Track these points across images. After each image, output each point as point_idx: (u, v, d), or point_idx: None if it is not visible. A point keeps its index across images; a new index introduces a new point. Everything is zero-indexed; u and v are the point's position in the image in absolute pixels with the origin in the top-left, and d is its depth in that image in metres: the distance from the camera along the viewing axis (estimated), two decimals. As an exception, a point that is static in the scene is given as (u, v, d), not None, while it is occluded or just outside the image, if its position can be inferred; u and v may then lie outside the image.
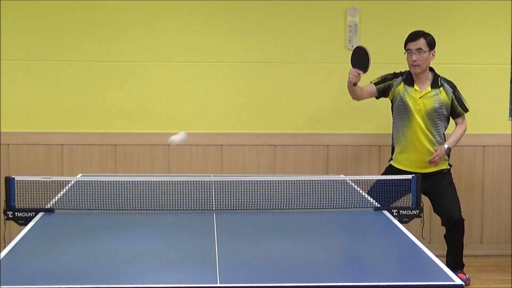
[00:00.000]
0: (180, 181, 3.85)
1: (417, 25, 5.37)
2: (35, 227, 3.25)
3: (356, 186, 4.11)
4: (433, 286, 2.47)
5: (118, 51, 5.32)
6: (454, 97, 4.74)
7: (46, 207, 3.54)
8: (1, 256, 2.72)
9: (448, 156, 4.84)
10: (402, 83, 4.75)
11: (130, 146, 5.37)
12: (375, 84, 4.81)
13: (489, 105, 5.49)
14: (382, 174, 4.88)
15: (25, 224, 3.34)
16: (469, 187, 5.54)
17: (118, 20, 5.31)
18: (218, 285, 2.44)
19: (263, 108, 5.41)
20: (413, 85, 4.71)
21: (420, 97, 4.69)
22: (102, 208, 3.54)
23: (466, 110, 4.82)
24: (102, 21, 5.30)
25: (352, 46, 5.33)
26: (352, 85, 4.63)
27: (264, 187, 3.81)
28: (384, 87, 4.80)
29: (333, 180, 4.14)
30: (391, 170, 4.81)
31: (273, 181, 4.02)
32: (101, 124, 5.35)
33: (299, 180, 4.08)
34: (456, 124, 4.85)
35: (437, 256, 2.78)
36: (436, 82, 4.72)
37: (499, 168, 5.53)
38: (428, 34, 4.72)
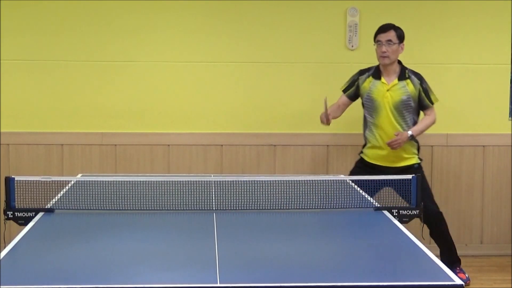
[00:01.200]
0: (180, 181, 3.85)
1: (417, 25, 5.39)
2: (35, 227, 3.25)
3: (356, 186, 4.11)
4: (433, 286, 2.47)
5: (118, 51, 5.32)
6: (421, 89, 4.76)
7: (46, 207, 3.54)
8: (1, 256, 2.72)
9: (418, 150, 4.85)
10: (369, 78, 4.78)
11: (130, 146, 5.37)
12: (345, 91, 4.88)
13: (489, 105, 5.49)
14: (354, 168, 4.93)
15: (25, 224, 3.34)
16: (469, 187, 5.54)
17: (118, 20, 5.31)
18: (218, 285, 2.44)
19: (263, 108, 5.41)
20: (380, 78, 4.74)
21: (388, 90, 4.71)
22: (102, 208, 3.54)
23: (433, 103, 4.82)
24: (102, 21, 5.30)
25: (352, 46, 5.35)
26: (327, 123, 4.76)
27: (264, 187, 3.80)
28: (354, 90, 4.86)
29: (333, 180, 4.14)
30: (362, 163, 4.86)
31: (273, 181, 4.01)
32: (101, 124, 5.35)
33: (299, 180, 4.07)
34: (425, 116, 4.87)
35: (437, 256, 2.78)
36: (403, 74, 4.74)
37: (499, 168, 5.53)
38: (399, 27, 4.76)
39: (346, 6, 5.35)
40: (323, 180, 4.05)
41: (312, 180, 4.06)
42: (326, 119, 4.74)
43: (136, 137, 5.37)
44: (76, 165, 5.34)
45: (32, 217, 3.41)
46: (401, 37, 4.74)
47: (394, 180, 3.99)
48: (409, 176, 3.80)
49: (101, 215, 3.50)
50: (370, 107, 4.79)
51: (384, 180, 4.13)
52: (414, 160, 4.82)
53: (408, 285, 2.46)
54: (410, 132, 4.71)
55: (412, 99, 4.74)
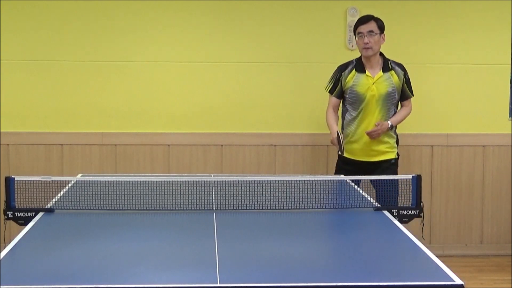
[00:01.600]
0: (180, 181, 3.85)
1: (417, 24, 5.39)
2: (35, 227, 3.25)
3: (356, 186, 4.11)
4: (433, 286, 2.47)
5: (118, 51, 5.32)
6: (405, 80, 4.73)
7: (46, 207, 3.54)
8: (1, 256, 2.72)
9: (397, 143, 4.82)
10: (352, 71, 4.73)
11: (130, 146, 5.37)
12: (331, 91, 4.82)
13: (489, 105, 5.49)
14: (336, 168, 4.89)
15: (25, 224, 3.34)
16: (469, 187, 5.54)
17: (118, 20, 5.31)
18: (218, 285, 2.44)
19: (263, 108, 5.41)
20: (364, 72, 4.69)
21: (373, 83, 4.68)
22: (102, 208, 3.54)
23: (413, 95, 4.80)
24: (102, 21, 5.30)
25: (352, 46, 5.35)
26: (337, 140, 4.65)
27: (264, 187, 3.80)
28: (339, 88, 4.79)
29: (333, 180, 4.14)
30: (341, 161, 4.82)
31: (273, 181, 4.01)
32: (101, 124, 5.36)
33: (299, 180, 4.07)
34: (402, 106, 4.84)
35: (437, 256, 2.78)
36: (387, 65, 4.71)
37: (499, 168, 5.53)
38: (379, 18, 4.73)
39: (346, 6, 5.35)
40: (323, 180, 4.05)
41: (312, 180, 4.06)
42: (340, 147, 4.63)
43: (136, 137, 5.37)
44: (76, 165, 5.34)
45: (32, 217, 3.41)
46: (381, 27, 4.70)
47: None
48: (409, 176, 3.79)
49: (101, 215, 3.50)
50: (355, 101, 4.72)
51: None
52: (392, 155, 4.78)
53: (408, 285, 2.46)
54: (390, 122, 4.69)
55: (396, 91, 4.71)
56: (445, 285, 2.47)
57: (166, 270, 2.62)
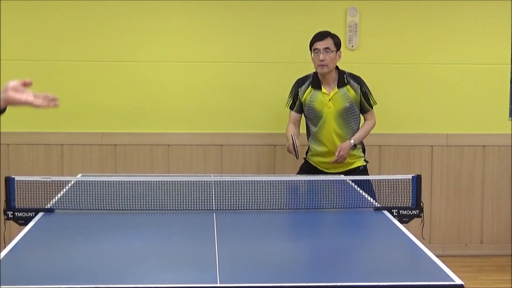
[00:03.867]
0: (180, 181, 3.85)
1: (417, 25, 5.39)
2: (35, 227, 3.25)
3: (356, 186, 4.11)
4: (433, 286, 2.47)
5: (118, 51, 5.32)
6: (361, 93, 4.69)
7: (46, 207, 3.54)
8: (1, 256, 2.72)
9: (364, 151, 4.81)
10: (309, 88, 4.70)
11: (130, 146, 5.37)
12: (292, 107, 4.80)
13: (489, 105, 5.49)
14: (299, 172, 4.87)
15: (25, 224, 3.33)
16: (469, 187, 5.54)
17: (118, 20, 5.31)
18: (218, 285, 2.43)
19: (263, 108, 5.42)
20: (320, 88, 4.67)
21: (329, 99, 4.65)
22: (102, 208, 3.54)
23: (372, 106, 4.75)
24: (102, 21, 5.30)
25: (352, 46, 5.35)
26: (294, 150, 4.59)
27: (264, 187, 3.80)
28: (299, 103, 4.77)
29: (333, 180, 4.14)
30: (307, 166, 4.80)
31: (273, 181, 4.01)
32: (101, 124, 5.36)
33: (299, 180, 4.07)
34: (365, 120, 4.80)
35: (437, 256, 2.78)
36: (342, 80, 4.66)
37: (499, 168, 5.53)
38: (335, 35, 4.67)
39: (346, 6, 5.35)
40: (323, 180, 4.05)
41: (312, 180, 4.06)
42: (295, 152, 4.58)
43: (136, 137, 5.37)
44: (76, 165, 5.34)
45: (32, 217, 3.41)
46: (338, 44, 4.64)
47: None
48: (409, 176, 3.79)
49: (101, 215, 3.50)
50: (313, 117, 4.71)
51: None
52: (359, 163, 4.77)
53: (408, 285, 2.46)
54: (352, 142, 4.66)
55: (355, 105, 4.69)
56: (445, 285, 2.47)
57: (166, 270, 2.62)
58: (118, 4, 5.30)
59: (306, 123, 4.82)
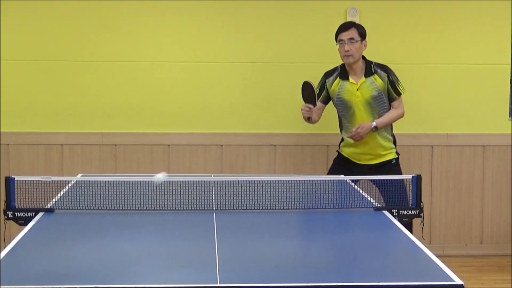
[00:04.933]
0: (180, 181, 3.85)
1: (417, 25, 5.39)
2: (35, 227, 3.25)
3: (356, 186, 4.11)
4: (433, 286, 2.47)
5: (118, 51, 5.32)
6: (388, 81, 4.70)
7: (46, 207, 3.54)
8: (1, 256, 2.72)
9: (395, 144, 4.81)
10: (337, 79, 4.74)
11: (130, 146, 5.37)
12: (317, 96, 4.78)
13: (489, 105, 5.49)
14: (332, 166, 4.89)
15: (25, 224, 3.34)
16: (469, 187, 5.54)
17: (118, 20, 5.31)
18: (218, 285, 2.43)
19: (263, 108, 5.42)
20: (348, 79, 4.70)
21: (357, 89, 4.68)
22: (102, 208, 3.54)
23: (399, 94, 4.74)
24: (102, 21, 5.30)
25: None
26: (307, 120, 4.66)
27: (264, 187, 3.80)
28: (325, 94, 4.80)
29: (333, 180, 4.14)
30: (340, 159, 4.83)
31: (273, 181, 4.01)
32: (101, 124, 5.36)
33: (299, 180, 4.07)
34: (392, 108, 4.79)
35: (437, 256, 2.78)
36: (370, 70, 4.69)
37: (499, 168, 5.53)
38: (360, 25, 4.72)
39: (346, 6, 5.35)
40: (323, 180, 4.05)
41: (312, 180, 4.06)
42: (307, 113, 4.59)
43: (136, 137, 5.37)
44: (76, 165, 5.34)
45: (32, 217, 3.41)
46: (363, 34, 4.68)
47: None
48: (409, 176, 3.79)
49: (101, 215, 3.50)
50: (343, 108, 4.75)
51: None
52: (391, 156, 4.78)
53: (408, 285, 2.46)
54: (374, 123, 4.66)
55: (383, 93, 4.70)
56: (445, 285, 2.47)
57: (166, 270, 2.62)
58: (118, 4, 5.30)
59: (338, 116, 4.84)
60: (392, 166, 4.72)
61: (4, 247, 2.86)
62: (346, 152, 4.80)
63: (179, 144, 5.39)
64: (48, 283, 2.42)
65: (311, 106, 4.59)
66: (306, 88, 4.64)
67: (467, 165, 5.53)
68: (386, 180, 3.91)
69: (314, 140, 5.42)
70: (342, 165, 4.78)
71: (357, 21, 5.33)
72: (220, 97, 5.40)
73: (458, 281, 2.47)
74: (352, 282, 2.49)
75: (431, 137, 5.43)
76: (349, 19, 5.30)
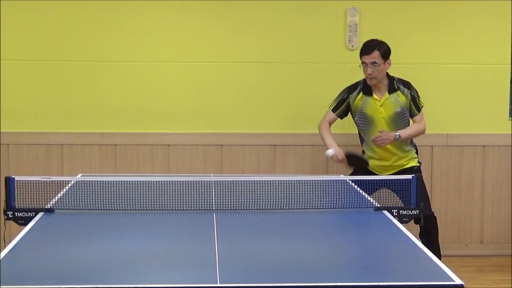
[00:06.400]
0: (180, 181, 3.85)
1: (417, 25, 5.39)
2: (35, 227, 3.25)
3: (356, 186, 4.11)
4: (433, 286, 2.47)
5: (118, 51, 5.32)
6: (411, 98, 4.70)
7: (46, 207, 3.54)
8: (1, 256, 2.72)
9: (417, 153, 4.83)
10: (360, 94, 4.71)
11: (130, 146, 5.37)
12: (334, 110, 4.80)
13: (489, 105, 5.49)
14: (353, 173, 4.86)
15: (25, 224, 3.34)
16: (469, 187, 5.54)
17: (118, 20, 5.31)
18: (218, 285, 2.44)
19: (263, 108, 5.41)
20: (371, 94, 4.69)
21: (381, 105, 4.67)
22: (102, 208, 3.54)
23: (419, 109, 4.76)
24: (102, 21, 5.30)
25: (352, 46, 5.34)
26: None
27: (264, 187, 3.80)
28: (343, 109, 4.79)
29: (333, 180, 4.14)
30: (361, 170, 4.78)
31: (273, 181, 4.01)
32: (101, 124, 5.36)
33: (299, 180, 4.07)
34: (414, 122, 4.80)
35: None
36: (393, 86, 4.68)
37: (499, 168, 5.53)
38: (382, 44, 4.65)
39: (346, 6, 5.35)
40: (323, 180, 4.05)
41: (312, 180, 4.06)
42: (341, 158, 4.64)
43: (136, 137, 5.37)
44: (76, 165, 5.34)
45: (32, 217, 3.41)
46: (386, 55, 4.63)
47: (392, 181, 3.99)
48: (409, 176, 3.79)
49: (101, 215, 3.50)
50: (365, 123, 4.73)
51: (381, 181, 4.14)
52: (413, 163, 4.78)
53: (408, 285, 2.46)
54: (397, 133, 4.65)
55: (406, 110, 4.71)
56: (445, 285, 2.47)
57: (166, 270, 2.62)
58: (118, 4, 5.30)
59: (359, 131, 4.83)
60: (414, 172, 4.70)
61: (4, 247, 2.87)
62: (370, 164, 4.78)
63: (179, 144, 5.39)
64: (48, 283, 2.42)
65: (345, 161, 4.63)
66: (357, 160, 4.64)
67: (467, 165, 5.53)
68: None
69: (314, 140, 5.42)
70: (363, 174, 4.74)
71: (357, 21, 5.34)
72: (220, 97, 5.40)
73: (458, 281, 2.48)
74: (352, 282, 2.49)
75: (431, 137, 5.43)
76: (349, 19, 5.30)
